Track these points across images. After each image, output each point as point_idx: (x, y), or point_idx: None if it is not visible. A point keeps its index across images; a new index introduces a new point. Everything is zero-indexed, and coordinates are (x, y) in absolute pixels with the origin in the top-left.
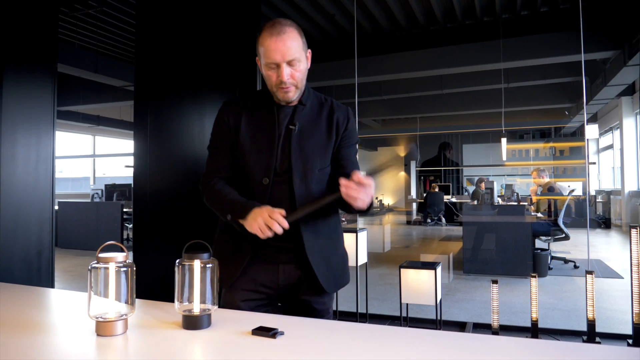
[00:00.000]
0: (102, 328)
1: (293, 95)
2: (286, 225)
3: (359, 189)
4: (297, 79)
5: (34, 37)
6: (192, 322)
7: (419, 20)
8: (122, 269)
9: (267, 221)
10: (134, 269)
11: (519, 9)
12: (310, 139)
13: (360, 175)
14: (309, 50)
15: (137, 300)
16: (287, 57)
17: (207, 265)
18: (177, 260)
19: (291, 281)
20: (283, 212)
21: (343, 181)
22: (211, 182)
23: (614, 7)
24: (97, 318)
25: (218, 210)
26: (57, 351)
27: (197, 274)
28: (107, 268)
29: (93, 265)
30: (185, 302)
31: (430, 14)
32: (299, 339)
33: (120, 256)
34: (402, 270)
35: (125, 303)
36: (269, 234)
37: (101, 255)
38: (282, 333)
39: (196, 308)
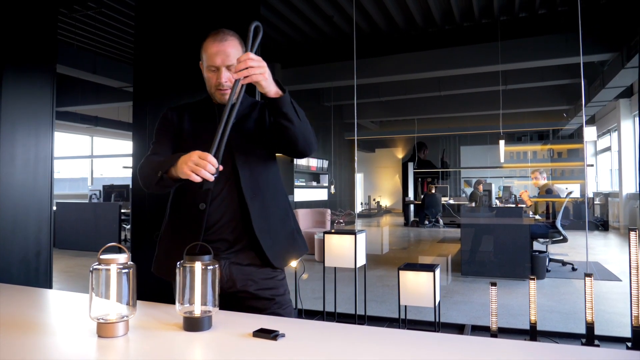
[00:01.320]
0: (103, 329)
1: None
2: (216, 163)
3: (247, 64)
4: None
5: (33, 38)
6: (193, 324)
7: (417, 22)
8: (124, 271)
9: (197, 163)
10: (135, 270)
11: (517, 11)
12: (247, 126)
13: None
14: None
15: (138, 302)
16: (227, 62)
17: (208, 267)
18: (178, 263)
19: (239, 275)
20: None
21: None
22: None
23: (612, 9)
24: (98, 319)
25: (150, 174)
26: (58, 352)
27: (198, 276)
28: (108, 269)
29: (94, 267)
30: (186, 303)
31: (429, 16)
32: (299, 341)
33: (121, 258)
34: (400, 272)
35: (127, 304)
36: (205, 176)
37: (102, 256)
38: (283, 335)
39: (197, 310)
